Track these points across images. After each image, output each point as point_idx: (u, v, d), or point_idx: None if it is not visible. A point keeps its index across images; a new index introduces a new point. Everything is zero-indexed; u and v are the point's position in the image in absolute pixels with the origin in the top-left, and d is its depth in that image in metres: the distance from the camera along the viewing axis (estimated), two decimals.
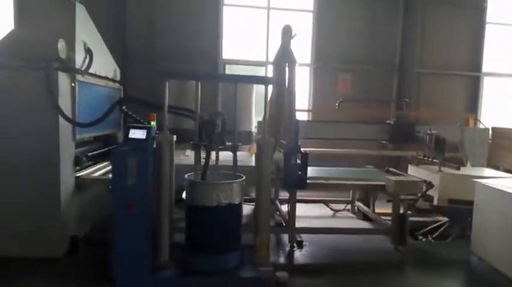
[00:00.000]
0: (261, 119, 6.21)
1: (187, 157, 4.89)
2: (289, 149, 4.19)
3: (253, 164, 4.60)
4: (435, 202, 5.16)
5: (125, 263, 3.30)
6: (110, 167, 4.71)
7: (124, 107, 4.08)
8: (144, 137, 3.34)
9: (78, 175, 4.23)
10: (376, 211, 5.65)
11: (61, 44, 3.75)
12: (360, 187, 5.28)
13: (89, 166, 4.60)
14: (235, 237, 3.58)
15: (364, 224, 5.60)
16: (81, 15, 4.37)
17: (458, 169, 5.36)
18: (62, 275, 3.69)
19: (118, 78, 5.47)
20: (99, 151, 4.82)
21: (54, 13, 4.17)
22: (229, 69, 8.41)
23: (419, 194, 4.73)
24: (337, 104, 8.02)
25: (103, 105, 4.75)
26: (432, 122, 6.61)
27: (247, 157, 5.04)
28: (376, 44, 8.59)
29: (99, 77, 4.71)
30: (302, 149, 4.22)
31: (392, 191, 4.43)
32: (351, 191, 6.12)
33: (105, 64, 4.90)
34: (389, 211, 4.81)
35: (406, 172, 5.44)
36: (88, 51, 4.23)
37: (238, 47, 8.42)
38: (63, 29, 4.02)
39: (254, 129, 6.51)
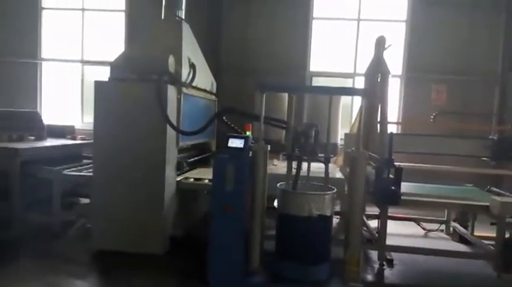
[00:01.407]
0: (346, 131, 6.18)
1: (275, 166, 5.02)
2: (382, 163, 4.08)
3: (338, 176, 4.59)
4: None
5: (219, 265, 3.47)
6: (203, 173, 5.04)
7: (224, 118, 4.36)
8: (241, 146, 3.52)
9: (178, 179, 4.58)
10: (476, 233, 5.20)
11: (171, 60, 4.13)
12: (459, 207, 4.89)
13: (186, 171, 4.96)
14: (325, 249, 3.57)
15: (461, 247, 5.19)
16: (187, 32, 4.78)
17: None
18: (163, 271, 4.01)
19: (214, 90, 5.84)
20: (196, 158, 5.17)
21: (164, 31, 4.62)
22: (315, 81, 8.46)
23: None
24: (432, 117, 7.59)
25: (202, 115, 5.12)
26: None
27: (332, 169, 5.01)
28: (474, 54, 7.98)
29: (199, 89, 5.08)
30: (395, 163, 4.09)
31: (498, 213, 4.05)
32: (446, 211, 5.73)
33: (204, 77, 5.27)
34: (492, 234, 4.42)
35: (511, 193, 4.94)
36: (192, 66, 4.59)
37: (325, 59, 8.43)
38: (171, 46, 4.44)
39: (340, 141, 6.45)
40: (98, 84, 4.23)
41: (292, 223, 3.48)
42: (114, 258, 4.16)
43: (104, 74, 4.66)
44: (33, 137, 5.79)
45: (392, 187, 3.98)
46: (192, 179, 4.76)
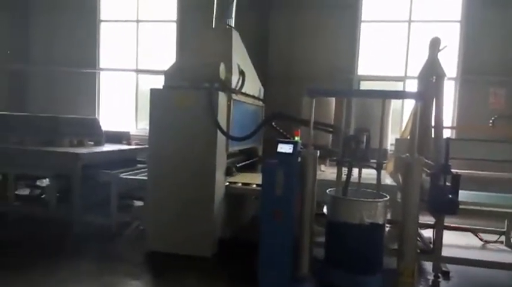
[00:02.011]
0: (396, 136, 5.97)
1: (323, 172, 4.96)
2: (438, 170, 3.91)
3: (388, 182, 4.45)
4: None
5: (268, 270, 3.49)
6: (251, 178, 5.08)
7: (273, 123, 4.38)
8: (291, 151, 3.52)
9: (226, 183, 4.65)
10: None
11: (222, 67, 4.24)
12: None
13: (234, 175, 5.02)
14: (377, 259, 3.48)
15: None
16: (236, 40, 4.88)
17: None
18: (213, 273, 4.09)
19: (262, 96, 5.89)
20: (244, 163, 5.23)
21: (215, 39, 4.75)
22: (363, 86, 8.29)
23: None
24: (491, 121, 7.17)
25: (250, 121, 5.18)
26: None
27: (382, 175, 4.87)
28: None
29: (248, 95, 5.15)
30: (452, 170, 3.90)
31: None
32: (506, 221, 5.36)
33: (252, 83, 5.33)
34: None
35: None
36: (241, 73, 4.68)
37: (373, 63, 8.24)
38: (221, 53, 4.55)
39: (389, 147, 6.26)
40: (153, 92, 4.41)
41: (343, 230, 3.42)
42: (166, 259, 4.30)
43: (156, 82, 4.84)
44: (92, 143, 6.15)
45: (450, 195, 3.80)
46: (240, 184, 4.82)
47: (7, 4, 9.08)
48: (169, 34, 8.73)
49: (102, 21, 9.03)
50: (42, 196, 6.37)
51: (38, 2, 9.17)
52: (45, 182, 6.32)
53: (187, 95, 4.31)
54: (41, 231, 5.20)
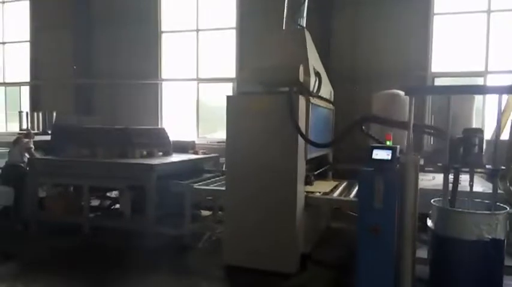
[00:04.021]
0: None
1: None
2: None
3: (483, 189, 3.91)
4: None
5: None
6: (324, 186, 4.72)
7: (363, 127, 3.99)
8: (389, 157, 3.15)
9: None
10: None
11: (301, 69, 3.94)
12: None
13: (313, 184, 4.67)
14: (496, 280, 2.98)
15: None
16: (309, 40, 4.57)
17: None
18: None
19: (332, 99, 5.54)
20: (320, 170, 4.89)
21: (287, 41, 4.47)
22: (438, 83, 7.64)
23: None
24: None
25: (323, 126, 4.84)
26: None
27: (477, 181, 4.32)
28: None
29: (322, 98, 4.81)
30: None
31: None
32: None
33: (325, 86, 4.99)
34: None
35: None
36: (317, 75, 4.36)
37: (447, 58, 7.57)
38: (296, 55, 4.26)
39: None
40: (230, 99, 4.20)
41: (455, 247, 2.97)
42: (248, 276, 4.03)
43: (216, 91, 4.61)
44: (161, 153, 6.09)
45: None
46: (318, 193, 4.50)
47: (71, 21, 9.43)
48: (229, 41, 8.58)
49: (163, 32, 9.10)
50: (113, 207, 6.41)
51: (100, 17, 9.43)
52: (115, 193, 6.36)
53: (265, 100, 4.05)
54: (116, 242, 5.14)
